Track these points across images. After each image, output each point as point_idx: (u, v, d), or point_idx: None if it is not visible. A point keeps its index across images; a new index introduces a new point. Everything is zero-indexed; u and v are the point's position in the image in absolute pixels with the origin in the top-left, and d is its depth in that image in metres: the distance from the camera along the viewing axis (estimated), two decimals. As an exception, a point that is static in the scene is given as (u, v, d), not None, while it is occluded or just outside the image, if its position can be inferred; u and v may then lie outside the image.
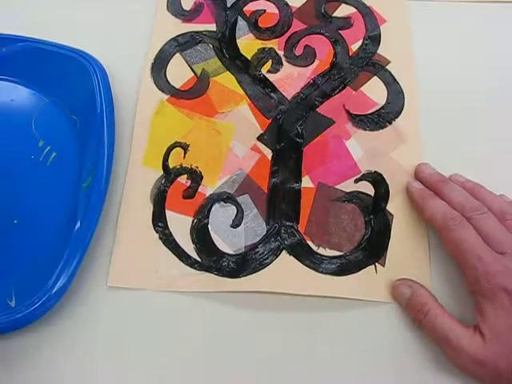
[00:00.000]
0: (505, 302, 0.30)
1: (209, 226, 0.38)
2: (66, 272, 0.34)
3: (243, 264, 0.36)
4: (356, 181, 0.39)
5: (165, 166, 0.40)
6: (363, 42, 0.44)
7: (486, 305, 0.31)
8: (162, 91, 0.43)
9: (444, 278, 0.36)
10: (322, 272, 0.36)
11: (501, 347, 0.30)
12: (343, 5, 0.46)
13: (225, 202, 0.38)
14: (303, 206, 0.38)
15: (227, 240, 0.37)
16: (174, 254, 0.37)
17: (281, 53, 0.44)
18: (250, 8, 0.47)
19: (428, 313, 0.33)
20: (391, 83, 0.42)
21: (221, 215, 0.38)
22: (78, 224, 0.35)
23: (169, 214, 0.38)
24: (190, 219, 0.38)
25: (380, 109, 0.41)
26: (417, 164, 0.39)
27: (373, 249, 0.37)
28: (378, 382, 0.34)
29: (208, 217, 0.38)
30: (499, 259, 0.31)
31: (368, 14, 0.46)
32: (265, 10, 0.46)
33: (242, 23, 0.46)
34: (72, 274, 0.34)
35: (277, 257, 0.37)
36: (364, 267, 0.36)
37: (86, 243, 0.35)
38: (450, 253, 0.34)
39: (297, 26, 0.46)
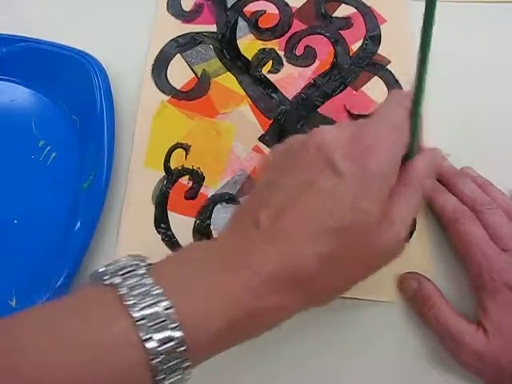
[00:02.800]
0: (507, 299, 0.31)
1: (211, 227, 0.37)
2: (65, 272, 0.34)
3: (245, 264, 0.36)
4: (357, 181, 0.39)
5: (166, 167, 0.39)
6: (363, 41, 0.44)
7: (489, 301, 0.31)
8: (163, 92, 0.42)
9: (446, 277, 0.36)
10: (324, 272, 0.36)
11: (503, 343, 0.30)
12: (343, 5, 0.46)
13: (227, 203, 0.38)
14: (305, 207, 0.38)
15: (229, 240, 0.37)
16: (176, 254, 0.37)
17: (281, 53, 0.44)
18: (250, 8, 0.46)
19: (433, 306, 0.33)
20: (392, 83, 0.42)
21: (223, 216, 0.38)
22: (78, 224, 0.35)
23: (171, 215, 0.38)
24: (193, 220, 0.38)
25: (381, 109, 0.42)
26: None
27: (375, 249, 0.37)
28: (381, 382, 0.34)
29: (210, 218, 0.38)
30: (503, 256, 0.32)
31: (368, 13, 0.46)
32: (265, 11, 0.46)
33: (242, 24, 0.46)
34: (72, 275, 0.34)
35: (279, 257, 0.36)
36: (366, 267, 0.36)
37: (86, 244, 0.35)
38: (455, 246, 0.35)
39: (297, 26, 0.46)
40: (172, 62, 0.44)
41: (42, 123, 0.41)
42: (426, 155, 0.29)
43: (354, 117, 0.41)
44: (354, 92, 0.42)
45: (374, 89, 0.42)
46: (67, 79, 0.41)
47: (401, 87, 0.42)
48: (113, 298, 0.22)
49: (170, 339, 0.21)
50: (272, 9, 0.46)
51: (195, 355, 0.22)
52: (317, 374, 0.34)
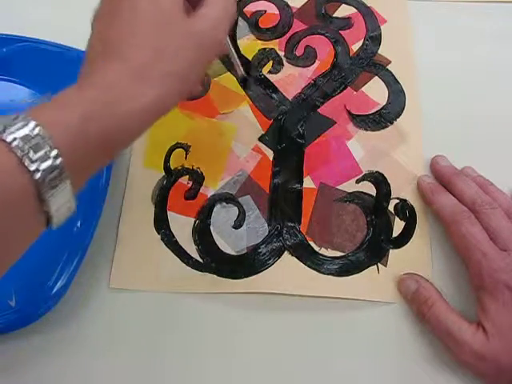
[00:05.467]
0: (507, 299, 0.31)
1: (211, 227, 0.38)
2: (66, 272, 0.34)
3: (245, 265, 0.36)
4: (357, 181, 0.39)
5: (166, 167, 0.39)
6: (364, 42, 0.44)
7: (489, 301, 0.31)
8: (163, 92, 0.42)
9: (446, 278, 0.36)
10: (324, 272, 0.36)
11: (503, 343, 0.30)
12: (343, 5, 0.46)
13: (226, 203, 0.38)
14: (305, 207, 0.38)
15: (229, 241, 0.37)
16: (176, 255, 0.37)
17: (281, 53, 0.44)
18: (250, 9, 0.46)
19: (432, 306, 0.33)
20: (392, 83, 0.42)
21: (222, 216, 0.38)
22: (78, 224, 0.35)
23: (171, 215, 0.38)
24: (192, 220, 0.38)
25: (381, 109, 0.41)
26: (419, 163, 0.39)
27: (375, 249, 0.37)
28: (381, 382, 0.34)
29: (210, 218, 0.38)
30: (503, 256, 0.32)
31: (368, 14, 0.46)
32: (265, 11, 0.46)
33: (242, 24, 0.46)
34: (72, 275, 0.34)
35: (279, 257, 0.36)
36: (366, 267, 0.36)
37: (86, 243, 0.35)
38: (455, 246, 0.35)
39: (297, 26, 0.46)
40: (172, 62, 0.44)
41: (42, 123, 0.41)
42: None
43: (355, 117, 0.41)
44: (354, 92, 0.42)
45: (375, 89, 0.42)
46: (67, 79, 0.41)
47: (401, 87, 0.42)
48: None
49: (38, 144, 0.23)
50: (272, 9, 0.46)
51: (67, 154, 0.23)
52: (317, 374, 0.34)
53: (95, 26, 0.29)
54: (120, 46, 0.27)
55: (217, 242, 0.37)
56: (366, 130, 0.41)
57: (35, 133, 0.23)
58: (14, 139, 0.22)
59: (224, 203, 0.38)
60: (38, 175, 0.22)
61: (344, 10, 0.46)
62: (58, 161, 0.23)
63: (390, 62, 0.43)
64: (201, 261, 0.37)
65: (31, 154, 0.22)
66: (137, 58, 0.27)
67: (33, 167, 0.22)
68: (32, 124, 0.23)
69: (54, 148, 0.23)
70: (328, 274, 0.36)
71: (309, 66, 0.44)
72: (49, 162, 0.23)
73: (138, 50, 0.27)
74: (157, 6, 0.28)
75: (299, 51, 0.44)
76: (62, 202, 0.24)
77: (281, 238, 0.37)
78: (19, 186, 0.22)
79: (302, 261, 0.36)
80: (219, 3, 0.30)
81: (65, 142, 0.23)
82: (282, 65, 0.44)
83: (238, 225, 0.38)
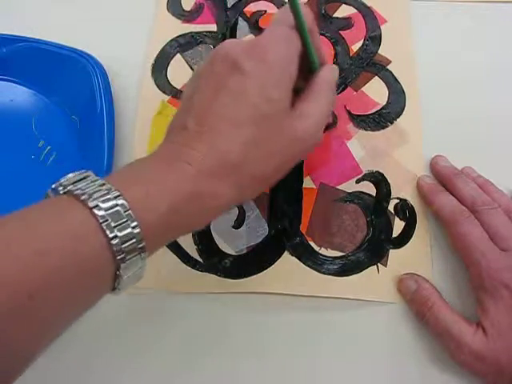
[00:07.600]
0: (506, 299, 0.31)
1: (210, 227, 0.38)
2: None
3: (245, 265, 0.36)
4: (357, 181, 0.39)
5: (166, 167, 0.39)
6: (364, 42, 0.44)
7: (488, 301, 0.31)
8: (163, 92, 0.42)
9: (446, 278, 0.36)
10: (324, 272, 0.36)
11: (502, 343, 0.30)
12: (344, 5, 0.46)
13: (226, 203, 0.38)
14: (305, 207, 0.38)
15: (229, 241, 0.37)
16: (176, 254, 0.37)
17: (281, 53, 0.44)
18: (250, 8, 0.46)
19: (432, 307, 0.33)
20: (392, 83, 0.42)
21: (222, 216, 0.38)
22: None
23: (170, 214, 0.38)
24: (192, 220, 0.38)
25: (381, 109, 0.41)
26: (419, 163, 0.39)
27: (375, 249, 0.37)
28: (381, 382, 0.34)
29: (209, 217, 0.38)
30: (503, 256, 0.32)
31: (368, 14, 0.46)
32: (265, 11, 0.46)
33: (242, 24, 0.46)
34: (72, 275, 0.34)
35: (279, 257, 0.36)
36: (366, 267, 0.36)
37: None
38: (454, 247, 0.35)
39: (297, 26, 0.45)
40: (172, 61, 0.44)
41: (42, 123, 0.41)
42: (328, 66, 0.32)
43: (355, 117, 0.41)
44: (355, 92, 0.42)
45: (375, 89, 0.42)
46: (67, 79, 0.41)
47: (402, 87, 0.42)
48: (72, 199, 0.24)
49: (127, 226, 0.23)
50: (272, 9, 0.46)
51: (148, 237, 0.24)
52: (317, 374, 0.34)
53: (192, 93, 0.29)
54: (215, 135, 0.27)
55: (217, 242, 0.37)
56: (366, 129, 0.41)
57: (125, 214, 0.23)
58: (105, 218, 0.23)
59: (224, 203, 0.38)
60: (120, 255, 0.23)
61: (344, 10, 0.46)
62: (141, 245, 0.24)
63: (390, 61, 0.43)
64: (201, 260, 0.37)
65: (118, 233, 0.23)
66: (229, 155, 0.27)
67: (117, 248, 0.23)
68: (121, 202, 0.23)
69: (139, 234, 0.23)
70: (328, 274, 0.36)
71: (309, 65, 0.44)
72: (133, 245, 0.23)
73: (232, 145, 0.27)
74: (267, 98, 0.27)
75: (299, 51, 0.44)
76: (133, 272, 0.25)
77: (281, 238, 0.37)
78: (105, 263, 0.23)
79: (302, 261, 0.36)
80: (323, 99, 0.30)
81: (148, 227, 0.24)
82: (282, 65, 0.44)
83: (237, 225, 0.38)
